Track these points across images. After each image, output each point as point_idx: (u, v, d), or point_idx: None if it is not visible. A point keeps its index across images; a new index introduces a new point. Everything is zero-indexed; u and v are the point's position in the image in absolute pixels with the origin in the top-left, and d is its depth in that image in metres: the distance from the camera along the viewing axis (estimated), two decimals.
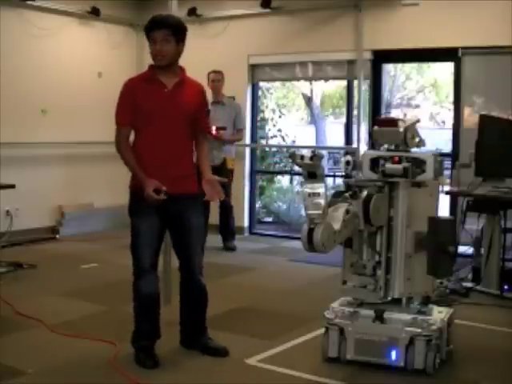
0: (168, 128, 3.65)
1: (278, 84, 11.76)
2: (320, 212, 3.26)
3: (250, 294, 5.34)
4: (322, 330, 3.80)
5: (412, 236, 3.68)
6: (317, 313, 4.00)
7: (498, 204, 5.30)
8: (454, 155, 6.79)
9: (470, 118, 6.70)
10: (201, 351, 3.87)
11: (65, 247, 7.26)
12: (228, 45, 8.09)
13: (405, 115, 11.12)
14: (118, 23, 8.50)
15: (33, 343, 4.05)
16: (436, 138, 12.25)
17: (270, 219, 9.56)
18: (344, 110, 9.52)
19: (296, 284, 5.74)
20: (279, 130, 10.35)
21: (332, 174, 11.29)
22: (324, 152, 8.66)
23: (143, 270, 3.70)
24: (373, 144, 4.11)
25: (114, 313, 4.72)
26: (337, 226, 3.36)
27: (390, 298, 3.72)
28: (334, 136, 14.32)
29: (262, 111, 9.95)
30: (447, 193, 5.68)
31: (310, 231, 3.26)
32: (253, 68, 8.20)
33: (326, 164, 10.52)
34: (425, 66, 13.80)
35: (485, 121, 5.59)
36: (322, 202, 3.26)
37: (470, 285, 5.40)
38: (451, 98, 7.56)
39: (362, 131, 7.49)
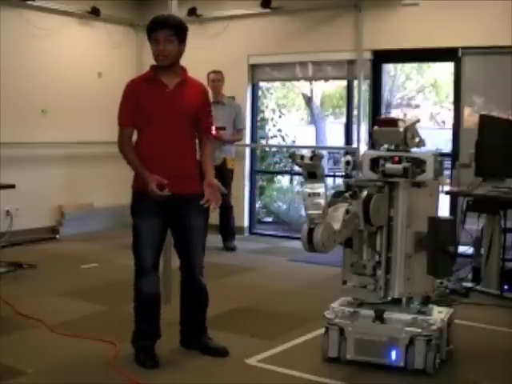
0: (170, 128, 3.65)
1: (278, 84, 11.77)
2: (320, 212, 3.26)
3: (250, 294, 5.34)
4: (322, 330, 3.80)
5: (412, 236, 3.68)
6: (317, 313, 4.00)
7: (497, 204, 5.30)
8: (454, 155, 6.79)
9: (470, 117, 6.70)
10: (201, 351, 3.87)
11: (65, 247, 7.25)
12: (228, 45, 8.09)
13: (405, 115, 11.13)
14: (118, 23, 8.50)
15: (33, 343, 4.05)
16: (436, 137, 12.25)
17: (270, 219, 9.56)
18: (344, 109, 9.52)
19: (296, 284, 5.74)
20: (279, 130, 10.35)
21: (332, 173, 11.30)
22: (324, 152, 8.65)
23: (144, 269, 3.70)
24: (373, 144, 4.11)
25: (114, 313, 4.72)
26: (337, 226, 3.36)
27: (390, 298, 3.72)
28: (334, 136, 14.32)
29: (262, 111, 9.95)
30: (447, 193, 5.68)
31: (310, 231, 3.26)
32: (253, 68, 8.20)
33: (326, 164, 10.52)
34: (425, 65, 13.80)
35: (485, 121, 5.59)
36: (322, 201, 3.26)
37: (470, 285, 5.40)
38: (451, 98, 7.57)
39: (362, 131, 7.49)
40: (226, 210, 7.24)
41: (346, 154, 7.24)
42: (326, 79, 9.87)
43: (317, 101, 15.25)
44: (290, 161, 3.67)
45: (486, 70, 6.74)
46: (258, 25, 8.00)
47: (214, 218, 6.90)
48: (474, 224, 5.63)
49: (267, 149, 10.00)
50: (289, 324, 4.51)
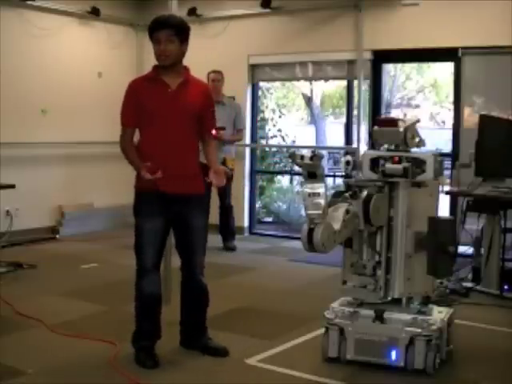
0: (172, 128, 3.65)
1: (278, 84, 11.76)
2: (320, 212, 3.26)
3: (250, 294, 5.34)
4: (322, 330, 3.80)
5: (412, 236, 3.68)
6: (317, 313, 4.00)
7: (498, 204, 5.30)
8: (454, 155, 6.79)
9: (470, 117, 6.69)
10: (201, 351, 3.87)
11: (65, 247, 7.25)
12: (228, 45, 8.09)
13: (405, 115, 11.12)
14: (118, 23, 8.50)
15: (33, 343, 4.05)
16: (436, 137, 12.25)
17: (270, 219, 9.56)
18: (344, 110, 9.52)
19: (296, 284, 5.74)
20: (279, 130, 10.34)
21: (332, 173, 11.29)
22: (324, 152, 8.65)
23: (146, 269, 3.71)
24: (373, 144, 4.11)
25: (114, 313, 4.73)
26: (337, 226, 3.36)
27: (389, 298, 3.72)
28: (334, 136, 14.32)
29: (262, 111, 9.95)
30: (447, 193, 5.68)
31: (310, 231, 3.26)
32: (253, 68, 8.20)
33: (326, 164, 10.52)
34: (425, 65, 13.80)
35: (485, 121, 5.59)
36: (322, 201, 3.26)
37: (470, 285, 5.40)
38: (451, 98, 7.56)
39: (362, 131, 7.49)
40: (226, 210, 7.25)
41: (346, 154, 7.24)
42: (326, 79, 9.87)
43: (317, 101, 15.24)
44: (290, 161, 3.67)
45: (486, 70, 6.74)
46: (257, 25, 8.00)
47: (214, 217, 6.91)
48: (474, 224, 5.63)
49: (267, 149, 10.00)
50: (289, 324, 4.51)
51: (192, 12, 8.12)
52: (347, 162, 3.78)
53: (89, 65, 8.15)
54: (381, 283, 3.69)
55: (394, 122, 3.75)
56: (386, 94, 12.28)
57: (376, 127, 3.82)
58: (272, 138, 10.20)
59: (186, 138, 3.72)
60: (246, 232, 8.26)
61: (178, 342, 3.95)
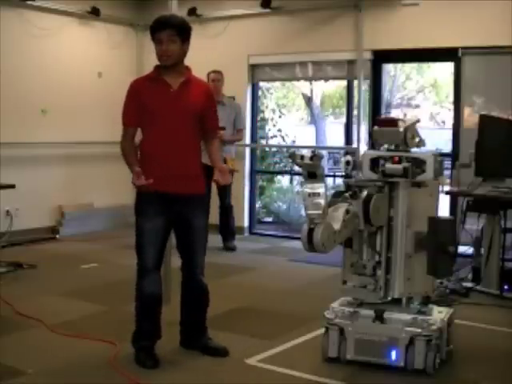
0: (174, 128, 3.65)
1: (278, 84, 11.76)
2: (320, 212, 3.26)
3: (250, 294, 5.34)
4: (322, 330, 3.80)
5: (412, 236, 3.68)
6: (317, 313, 4.00)
7: (498, 204, 5.30)
8: (454, 155, 6.79)
9: (470, 117, 6.69)
10: (201, 351, 3.87)
11: (65, 247, 7.25)
12: (228, 45, 8.09)
13: (405, 115, 11.12)
14: (118, 23, 8.50)
15: (33, 343, 4.05)
16: (436, 138, 12.24)
17: (270, 219, 9.56)
18: (344, 110, 9.52)
19: (296, 284, 5.74)
20: (279, 130, 10.34)
21: (332, 173, 11.29)
22: (324, 152, 8.68)
23: (146, 269, 3.71)
24: (373, 144, 4.11)
25: (114, 313, 4.73)
26: (337, 226, 3.36)
27: (389, 298, 3.72)
28: (334, 136, 14.31)
29: (262, 111, 9.95)
30: (447, 193, 5.68)
31: (310, 231, 3.26)
32: (253, 68, 8.20)
33: (325, 164, 10.52)
34: (425, 65, 13.79)
35: (485, 121, 5.59)
36: (322, 201, 3.26)
37: (470, 285, 5.40)
38: (451, 98, 7.56)
39: (362, 131, 7.49)
40: (226, 210, 7.25)
41: (346, 154, 7.24)
42: (326, 79, 9.87)
43: (317, 101, 15.24)
44: (290, 161, 3.67)
45: (486, 70, 6.74)
46: (258, 25, 8.00)
47: (214, 217, 6.91)
48: (474, 224, 5.63)
49: (267, 149, 10.00)
50: (289, 324, 4.51)
51: (192, 12, 8.12)
52: (347, 162, 3.78)
53: (89, 65, 8.15)
54: (381, 283, 3.69)
55: (393, 122, 3.75)
56: (385, 94, 12.27)
57: (376, 127, 3.82)
58: (272, 138, 10.20)
59: (188, 137, 3.72)
60: (246, 232, 8.26)
61: (178, 342, 3.96)
